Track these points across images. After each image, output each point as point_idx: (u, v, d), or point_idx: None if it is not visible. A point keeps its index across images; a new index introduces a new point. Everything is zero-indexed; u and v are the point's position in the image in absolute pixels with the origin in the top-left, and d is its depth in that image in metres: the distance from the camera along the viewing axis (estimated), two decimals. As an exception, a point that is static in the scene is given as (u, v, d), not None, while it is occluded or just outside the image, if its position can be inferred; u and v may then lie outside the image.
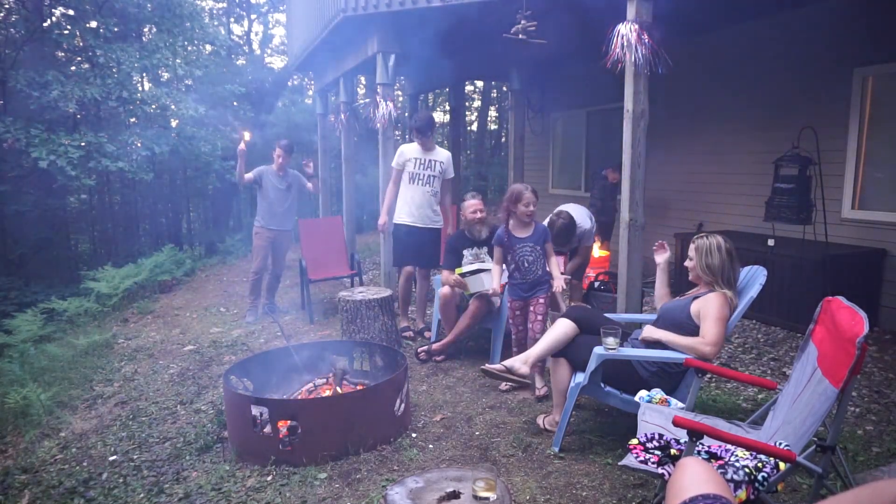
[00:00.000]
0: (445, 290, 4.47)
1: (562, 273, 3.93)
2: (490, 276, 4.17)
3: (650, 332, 3.00)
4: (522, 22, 4.27)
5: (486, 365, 3.31)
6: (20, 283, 10.89)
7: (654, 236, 4.26)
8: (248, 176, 5.72)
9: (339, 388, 3.51)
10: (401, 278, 5.19)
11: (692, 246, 2.99)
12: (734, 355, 4.46)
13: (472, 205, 4.61)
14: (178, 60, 11.38)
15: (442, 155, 4.97)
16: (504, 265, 3.93)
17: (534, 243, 3.79)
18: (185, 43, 12.09)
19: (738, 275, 2.94)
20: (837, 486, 2.41)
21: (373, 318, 4.39)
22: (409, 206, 4.93)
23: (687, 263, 3.03)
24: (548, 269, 3.83)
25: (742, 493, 1.89)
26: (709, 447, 2.16)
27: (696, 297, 2.93)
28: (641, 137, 3.92)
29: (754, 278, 2.97)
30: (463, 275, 4.39)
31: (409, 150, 4.92)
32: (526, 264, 3.79)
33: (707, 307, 2.83)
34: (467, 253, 4.63)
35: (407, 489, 2.16)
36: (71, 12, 11.43)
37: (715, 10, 5.60)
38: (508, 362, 3.22)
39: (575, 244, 4.88)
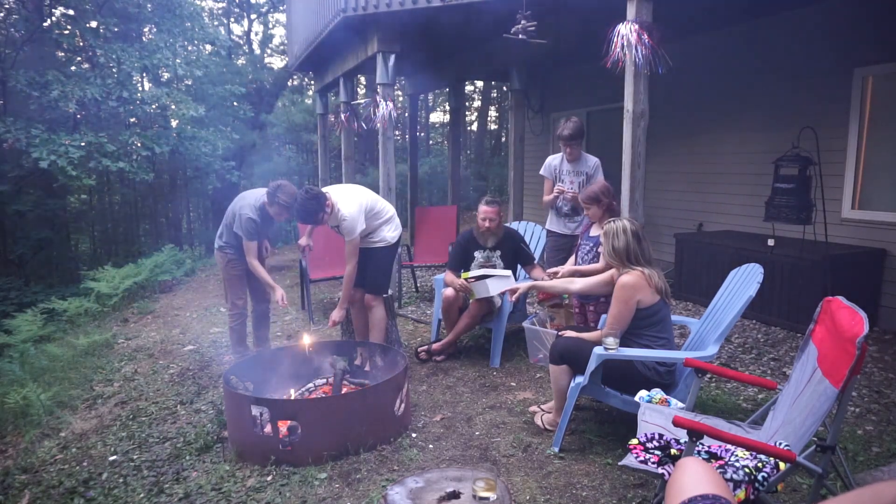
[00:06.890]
0: (449, 291, 4.36)
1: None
2: (497, 282, 4.08)
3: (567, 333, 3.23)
4: (522, 22, 4.27)
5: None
6: (20, 283, 10.91)
7: (654, 236, 4.26)
8: None
9: (339, 388, 3.51)
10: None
11: (601, 232, 3.11)
12: (734, 355, 4.46)
13: (483, 211, 4.32)
14: (178, 60, 11.39)
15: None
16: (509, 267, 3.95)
17: (594, 244, 3.79)
18: (185, 43, 12.11)
19: (648, 255, 3.01)
20: (837, 486, 2.41)
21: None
22: None
23: (599, 250, 3.11)
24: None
25: (741, 493, 1.89)
26: (709, 447, 2.16)
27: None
28: (641, 137, 3.92)
29: (752, 277, 2.97)
30: (469, 280, 4.24)
31: None
32: (580, 262, 3.84)
33: (613, 293, 2.98)
34: (478, 255, 4.44)
35: (407, 489, 2.16)
36: (71, 12, 11.45)
37: (715, 10, 5.60)
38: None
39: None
